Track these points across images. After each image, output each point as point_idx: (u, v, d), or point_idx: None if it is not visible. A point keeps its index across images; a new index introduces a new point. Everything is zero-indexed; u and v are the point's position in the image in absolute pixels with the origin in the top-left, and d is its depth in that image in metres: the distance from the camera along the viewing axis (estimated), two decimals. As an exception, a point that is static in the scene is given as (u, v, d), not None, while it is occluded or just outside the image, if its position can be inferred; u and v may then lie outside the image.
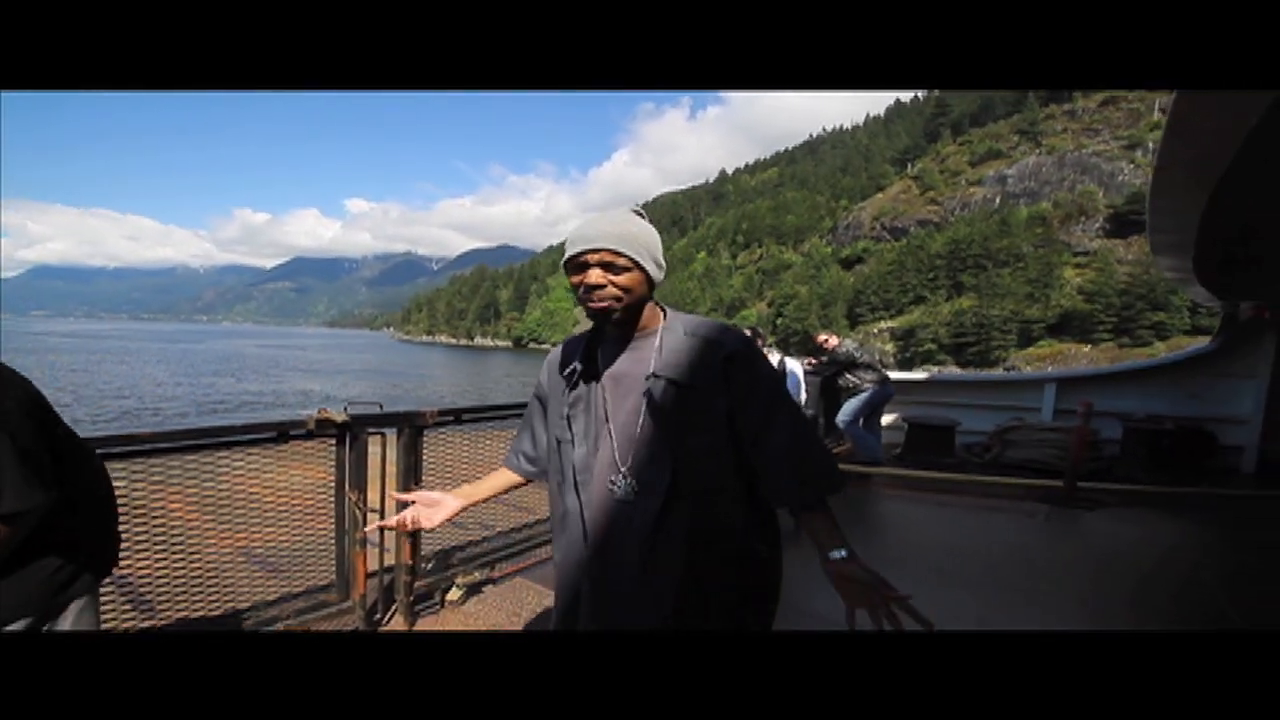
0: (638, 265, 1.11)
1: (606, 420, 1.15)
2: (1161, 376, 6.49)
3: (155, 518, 2.00)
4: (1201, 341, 6.41)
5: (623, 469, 1.13)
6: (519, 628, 2.47)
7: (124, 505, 1.73)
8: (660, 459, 1.10)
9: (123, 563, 1.64)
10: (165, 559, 2.04)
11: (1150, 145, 79.44)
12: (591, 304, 1.12)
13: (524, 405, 3.06)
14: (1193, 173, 3.15)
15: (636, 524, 1.10)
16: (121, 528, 1.51)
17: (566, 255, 1.12)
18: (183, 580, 2.08)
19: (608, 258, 1.09)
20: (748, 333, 5.57)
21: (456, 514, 1.31)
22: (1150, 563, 3.56)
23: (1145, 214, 4.25)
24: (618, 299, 1.11)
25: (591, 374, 1.20)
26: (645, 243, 1.13)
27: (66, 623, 1.29)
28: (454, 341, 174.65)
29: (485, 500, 1.38)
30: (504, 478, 1.38)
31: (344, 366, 57.49)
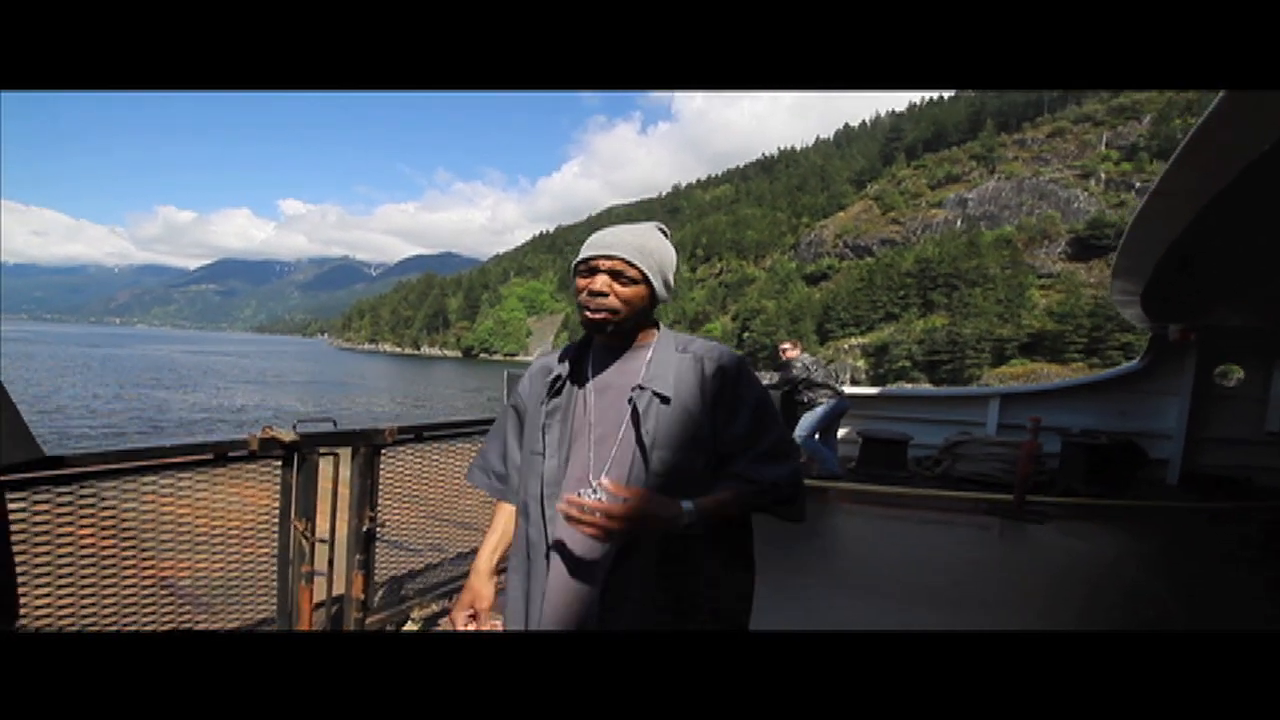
0: (646, 280, 1.12)
1: (587, 432, 1.14)
2: (1095, 393, 7.22)
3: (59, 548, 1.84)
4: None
5: (594, 483, 1.10)
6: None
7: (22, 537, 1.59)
8: (636, 477, 1.09)
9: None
10: (71, 594, 1.87)
11: (1102, 174, 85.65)
12: (589, 312, 1.12)
13: (490, 420, 3.04)
14: (1184, 201, 3.48)
15: (603, 546, 1.07)
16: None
17: (579, 258, 1.14)
18: (92, 615, 1.91)
19: (619, 266, 1.10)
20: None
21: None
22: (1098, 574, 3.94)
23: (1118, 236, 4.66)
24: (615, 311, 1.11)
25: (575, 383, 1.20)
26: (660, 259, 1.14)
27: None
28: (399, 350, 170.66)
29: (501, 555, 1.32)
30: (502, 520, 1.31)
31: (289, 376, 55.38)
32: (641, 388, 1.12)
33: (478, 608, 1.25)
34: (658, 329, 1.21)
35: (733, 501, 1.08)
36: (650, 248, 1.13)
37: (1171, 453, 6.73)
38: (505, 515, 1.31)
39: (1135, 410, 6.96)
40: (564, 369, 1.21)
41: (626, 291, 1.11)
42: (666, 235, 1.20)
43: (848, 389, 6.65)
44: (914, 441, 6.70)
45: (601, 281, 1.10)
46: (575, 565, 1.10)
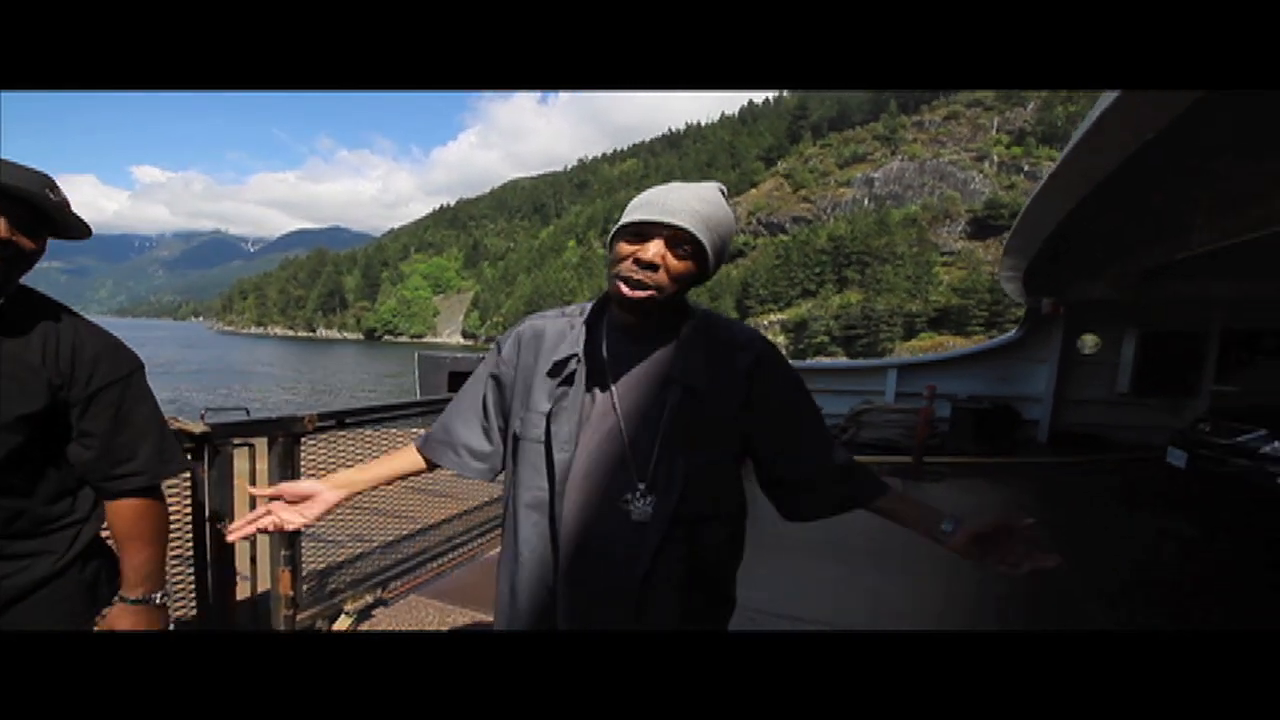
0: (702, 256, 0.99)
1: (602, 424, 1.04)
2: (980, 362, 8.28)
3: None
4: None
5: (641, 486, 1.00)
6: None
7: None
8: (670, 476, 1.01)
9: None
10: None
11: (995, 157, 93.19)
12: (628, 287, 0.97)
13: (413, 405, 3.01)
14: (1075, 184, 3.95)
15: (640, 547, 1.00)
16: None
17: (630, 218, 0.98)
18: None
19: (681, 236, 0.96)
20: None
21: (334, 508, 1.14)
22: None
23: (1012, 217, 5.34)
24: (661, 287, 0.97)
25: (590, 367, 1.06)
26: (724, 234, 1.01)
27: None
28: (291, 333, 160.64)
29: (371, 489, 1.21)
30: (400, 463, 1.21)
31: (175, 365, 50.98)
32: (671, 379, 1.02)
33: (287, 489, 1.12)
34: (687, 307, 1.09)
35: (901, 498, 1.12)
36: (716, 220, 0.98)
37: (1041, 414, 7.82)
38: (398, 462, 1.21)
39: (1013, 376, 8.02)
40: (575, 347, 1.05)
41: (680, 266, 0.97)
42: (725, 196, 1.05)
43: None
44: (824, 412, 7.30)
45: (655, 250, 0.95)
46: (598, 564, 1.02)
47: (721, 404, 1.03)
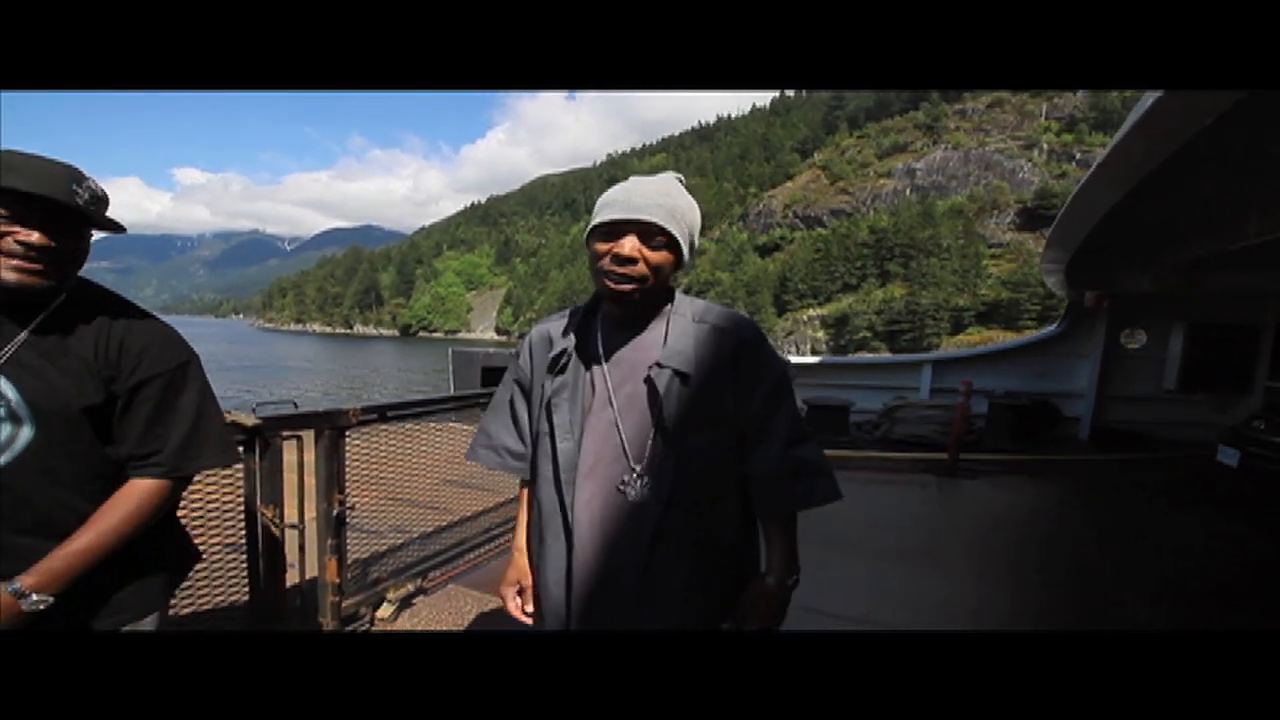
0: (675, 244, 1.05)
1: (600, 411, 1.10)
2: (1017, 357, 8.07)
3: None
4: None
5: (636, 469, 1.06)
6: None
7: None
8: (664, 460, 1.06)
9: None
10: None
11: (1045, 145, 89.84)
12: (612, 282, 1.04)
13: (449, 399, 3.15)
14: (1124, 175, 3.90)
15: (639, 532, 1.06)
16: None
17: (600, 219, 1.05)
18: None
19: (651, 229, 1.03)
20: None
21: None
22: (1025, 523, 4.53)
23: (1058, 207, 5.20)
24: (644, 279, 1.04)
25: (585, 358, 1.13)
26: (690, 221, 1.08)
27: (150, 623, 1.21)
28: (330, 330, 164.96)
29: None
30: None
31: (222, 360, 52.66)
32: (660, 365, 1.07)
33: (524, 584, 1.25)
34: (672, 296, 1.16)
35: (791, 531, 1.14)
36: (681, 208, 1.06)
37: (1083, 410, 7.61)
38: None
39: (1053, 372, 7.83)
40: (569, 341, 1.13)
41: (656, 257, 1.04)
42: (683, 184, 1.13)
43: (793, 359, 7.16)
44: (855, 407, 7.29)
45: (630, 246, 1.02)
46: (606, 552, 1.08)
47: (711, 387, 1.08)
